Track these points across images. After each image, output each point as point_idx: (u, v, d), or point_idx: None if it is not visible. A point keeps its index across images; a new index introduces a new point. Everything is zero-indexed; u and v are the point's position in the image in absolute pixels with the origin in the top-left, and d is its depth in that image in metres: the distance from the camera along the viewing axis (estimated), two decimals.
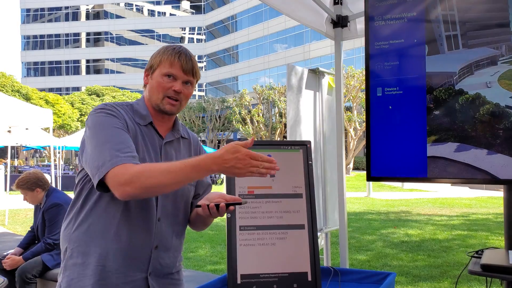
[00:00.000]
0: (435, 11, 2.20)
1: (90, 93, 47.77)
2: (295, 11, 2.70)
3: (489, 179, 2.09)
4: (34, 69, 63.83)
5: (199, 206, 1.62)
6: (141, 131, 1.69)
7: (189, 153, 1.86)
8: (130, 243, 1.61)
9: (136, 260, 1.63)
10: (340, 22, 2.92)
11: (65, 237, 1.67)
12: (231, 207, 1.61)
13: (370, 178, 2.40)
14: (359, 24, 2.97)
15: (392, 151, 2.31)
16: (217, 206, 1.58)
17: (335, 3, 2.93)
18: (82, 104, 44.07)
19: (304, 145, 2.57)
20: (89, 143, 1.57)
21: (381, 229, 9.80)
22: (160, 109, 1.70)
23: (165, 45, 1.77)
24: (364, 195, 17.53)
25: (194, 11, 63.25)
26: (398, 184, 21.85)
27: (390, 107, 2.30)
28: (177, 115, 1.83)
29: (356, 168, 34.13)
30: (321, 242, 3.95)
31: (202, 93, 60.77)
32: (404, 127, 2.27)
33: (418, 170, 2.24)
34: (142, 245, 1.64)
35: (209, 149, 33.17)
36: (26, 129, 10.44)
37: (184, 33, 63.06)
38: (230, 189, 2.46)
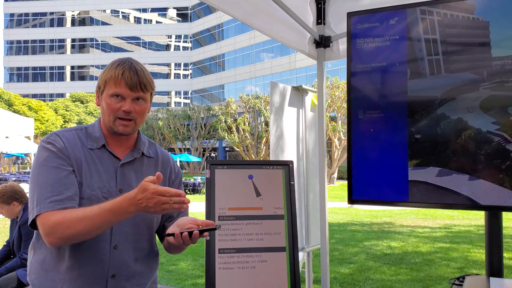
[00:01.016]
0: (418, 35, 2.20)
1: (74, 99, 47.32)
2: (278, 32, 2.68)
3: (471, 205, 2.07)
4: (17, 75, 62.97)
5: (171, 234, 1.51)
6: (93, 155, 1.62)
7: (155, 173, 1.78)
8: (82, 275, 1.54)
9: None
10: (323, 42, 2.90)
11: (28, 264, 1.64)
12: (205, 233, 1.51)
13: (351, 201, 2.37)
14: (342, 45, 2.96)
15: (373, 174, 2.28)
16: (190, 233, 1.48)
17: (318, 23, 2.92)
18: (66, 110, 43.62)
19: (286, 165, 2.54)
20: (29, 180, 1.58)
21: (364, 240, 9.81)
22: (114, 131, 1.64)
23: (114, 60, 1.67)
24: (348, 205, 17.58)
25: (180, 19, 63.23)
26: None
27: (372, 130, 2.28)
28: (139, 130, 1.76)
29: (340, 177, 34.27)
30: (303, 257, 3.91)
31: (188, 101, 60.63)
32: (385, 151, 2.25)
33: (399, 194, 2.22)
34: (95, 276, 1.55)
35: (194, 158, 32.99)
36: (6, 137, 10.28)
37: (170, 41, 62.97)
38: (210, 210, 2.42)
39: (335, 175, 32.30)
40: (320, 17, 2.90)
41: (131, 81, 1.58)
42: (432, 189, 2.14)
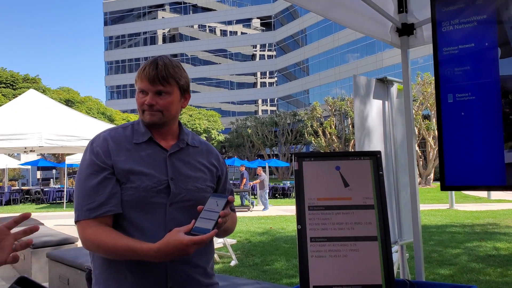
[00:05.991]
0: (507, 12, 2.11)
1: None
2: (358, 23, 2.70)
3: None
4: (116, 92, 68.20)
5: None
6: (141, 149, 1.71)
7: (200, 161, 1.83)
8: (139, 261, 1.58)
9: (151, 278, 1.63)
10: (405, 30, 2.86)
11: (91, 261, 1.75)
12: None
13: (444, 187, 2.31)
14: (426, 31, 2.90)
15: (466, 159, 2.21)
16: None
17: (400, 11, 2.88)
18: None
19: (374, 155, 2.54)
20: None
21: (466, 242, 9.26)
22: (147, 123, 1.73)
23: None
24: (447, 207, 16.66)
25: (264, 28, 64.43)
26: (484, 194, 20.57)
27: (463, 113, 2.21)
28: (178, 123, 1.84)
29: (436, 179, 32.58)
30: (397, 254, 3.83)
31: (274, 108, 61.39)
32: (479, 134, 2.17)
33: (495, 178, 2.13)
34: (153, 262, 1.58)
35: (282, 163, 33.26)
36: None
37: (255, 51, 64.36)
38: (299, 200, 2.49)
39: (431, 176, 30.77)
40: (402, 5, 2.87)
41: (150, 75, 1.69)
42: None
